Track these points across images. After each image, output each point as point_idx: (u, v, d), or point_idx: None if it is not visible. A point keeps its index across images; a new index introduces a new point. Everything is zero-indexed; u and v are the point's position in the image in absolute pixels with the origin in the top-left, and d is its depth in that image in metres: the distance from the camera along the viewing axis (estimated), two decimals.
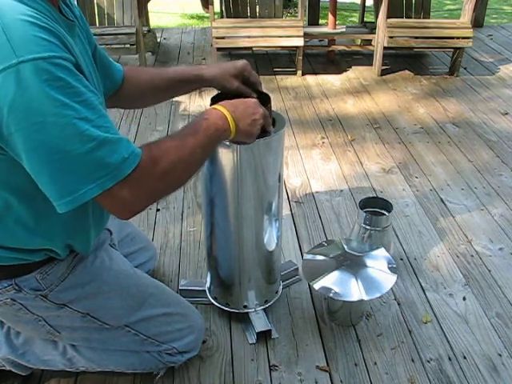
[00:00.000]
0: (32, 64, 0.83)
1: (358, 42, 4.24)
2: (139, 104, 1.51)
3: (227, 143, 1.29)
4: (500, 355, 1.58)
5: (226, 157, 1.33)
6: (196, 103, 3.39)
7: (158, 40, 4.62)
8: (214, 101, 1.34)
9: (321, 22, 4.97)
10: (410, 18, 4.06)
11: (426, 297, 1.81)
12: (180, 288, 1.78)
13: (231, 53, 4.31)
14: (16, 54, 0.82)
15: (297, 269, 1.88)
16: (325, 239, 2.08)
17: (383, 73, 3.89)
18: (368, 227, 1.83)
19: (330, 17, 4.02)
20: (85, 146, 0.88)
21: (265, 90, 1.39)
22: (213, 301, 1.69)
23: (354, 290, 1.52)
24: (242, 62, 1.34)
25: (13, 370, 1.41)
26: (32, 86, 0.83)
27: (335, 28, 4.03)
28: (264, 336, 1.62)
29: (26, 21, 0.85)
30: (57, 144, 0.87)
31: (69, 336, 1.32)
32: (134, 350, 1.38)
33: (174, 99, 3.44)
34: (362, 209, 1.87)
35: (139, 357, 1.39)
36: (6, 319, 1.28)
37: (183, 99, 3.44)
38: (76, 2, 3.85)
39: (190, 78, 1.35)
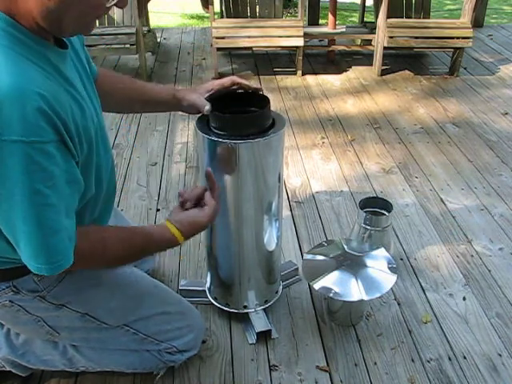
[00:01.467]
0: (13, 146, 0.83)
1: (358, 42, 4.24)
2: (109, 107, 1.42)
3: (227, 143, 1.29)
4: (500, 355, 1.58)
5: (226, 157, 1.33)
6: None
7: (158, 40, 4.62)
8: (214, 101, 1.34)
9: (321, 22, 4.97)
10: (410, 18, 4.06)
11: (426, 297, 1.81)
12: (180, 288, 1.78)
13: (231, 53, 4.32)
14: (1, 133, 0.82)
15: (297, 269, 1.88)
16: (325, 239, 2.08)
17: (383, 73, 3.89)
18: (368, 227, 1.83)
19: (330, 17, 4.03)
20: (41, 230, 0.91)
21: (265, 91, 1.39)
22: (213, 301, 1.69)
23: (354, 290, 1.52)
24: (217, 82, 1.36)
25: (13, 371, 1.41)
26: (9, 166, 0.84)
27: (335, 28, 4.03)
28: (264, 336, 1.62)
29: (19, 100, 0.83)
30: (13, 222, 0.91)
31: (68, 336, 1.32)
32: (133, 349, 1.38)
33: None
34: (362, 209, 1.87)
35: (139, 356, 1.39)
36: (5, 321, 1.28)
37: None
38: None
39: (167, 104, 1.39)
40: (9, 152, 0.83)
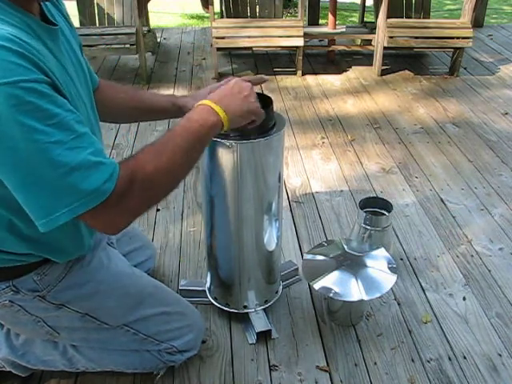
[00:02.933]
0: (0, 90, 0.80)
1: (358, 42, 4.24)
2: (110, 118, 1.42)
3: (227, 143, 1.29)
4: (500, 355, 1.58)
5: (226, 157, 1.33)
6: None
7: (158, 40, 4.62)
8: None
9: (321, 22, 4.97)
10: (410, 18, 4.06)
11: (426, 297, 1.81)
12: (180, 288, 1.78)
13: (231, 53, 4.32)
14: None
15: (297, 269, 1.88)
16: (325, 239, 2.08)
17: (383, 73, 3.89)
18: (368, 227, 1.83)
19: (330, 17, 4.03)
20: (56, 171, 0.87)
21: (265, 91, 1.39)
22: (213, 301, 1.69)
23: (354, 290, 1.52)
24: (216, 85, 1.30)
25: (13, 371, 1.41)
26: (0, 112, 0.81)
27: (335, 28, 4.03)
28: (264, 336, 1.62)
29: None
30: (28, 169, 0.86)
31: (68, 336, 1.32)
32: (133, 349, 1.38)
33: None
34: (362, 209, 1.87)
35: (139, 356, 1.39)
36: (5, 321, 1.28)
37: None
38: (76, 2, 3.85)
39: (168, 111, 1.38)
40: None
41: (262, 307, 1.66)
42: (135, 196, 0.97)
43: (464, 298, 1.80)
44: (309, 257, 1.68)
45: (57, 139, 0.86)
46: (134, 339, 1.34)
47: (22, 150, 0.84)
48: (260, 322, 1.62)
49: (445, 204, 2.34)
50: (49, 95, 0.86)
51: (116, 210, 0.95)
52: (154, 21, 5.37)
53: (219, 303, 1.67)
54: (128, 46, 3.58)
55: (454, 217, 2.24)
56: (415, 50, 4.20)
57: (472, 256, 2.01)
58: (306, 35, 3.70)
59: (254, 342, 1.61)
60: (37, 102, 0.84)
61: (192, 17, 6.65)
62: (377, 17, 3.79)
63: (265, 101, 1.34)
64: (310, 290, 1.82)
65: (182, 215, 2.25)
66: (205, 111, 1.08)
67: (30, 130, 0.83)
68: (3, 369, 1.41)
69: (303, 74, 3.87)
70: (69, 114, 0.89)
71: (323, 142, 2.90)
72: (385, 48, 3.74)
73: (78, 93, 1.06)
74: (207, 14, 5.02)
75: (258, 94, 1.41)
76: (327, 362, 1.56)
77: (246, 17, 4.10)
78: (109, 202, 0.92)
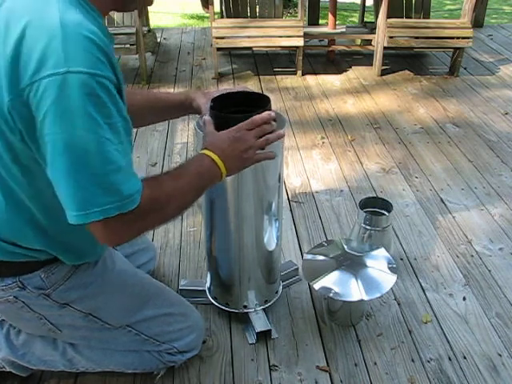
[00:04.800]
0: (78, 76, 0.86)
1: (358, 42, 4.24)
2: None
3: None
4: (500, 355, 1.58)
5: None
6: None
7: (158, 40, 4.62)
8: (215, 103, 1.34)
9: (321, 22, 4.97)
10: (410, 18, 4.06)
11: (426, 297, 1.81)
12: (180, 288, 1.78)
13: (231, 53, 4.32)
14: (66, 64, 0.85)
15: (297, 269, 1.88)
16: (325, 239, 2.08)
17: (383, 73, 3.89)
18: (368, 227, 1.83)
19: (330, 17, 4.03)
20: (104, 166, 0.91)
21: (265, 91, 1.39)
22: (213, 301, 1.69)
23: (354, 290, 1.52)
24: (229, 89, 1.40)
25: (13, 372, 1.41)
26: (72, 96, 0.86)
27: (335, 28, 4.03)
28: (264, 336, 1.62)
29: (86, 36, 0.88)
30: (79, 156, 0.89)
31: (70, 334, 1.32)
32: (134, 349, 1.38)
33: None
34: (361, 209, 1.87)
35: (139, 356, 1.39)
36: (7, 316, 1.29)
37: None
38: None
39: (176, 107, 1.42)
40: (73, 82, 0.86)
41: (262, 307, 1.66)
42: (151, 219, 1.04)
43: (464, 298, 1.80)
44: (309, 257, 1.68)
45: (110, 137, 0.91)
46: (136, 340, 1.34)
47: (79, 136, 0.88)
48: (260, 322, 1.62)
49: (445, 204, 2.33)
50: (114, 96, 0.92)
51: (129, 226, 0.99)
52: (154, 21, 5.36)
53: (219, 303, 1.67)
54: (128, 46, 3.58)
55: (453, 217, 2.24)
56: (415, 49, 4.20)
57: (472, 256, 2.01)
58: (306, 35, 3.70)
59: (254, 342, 1.61)
60: (104, 99, 0.89)
61: (192, 17, 6.65)
62: (377, 17, 3.79)
63: (263, 101, 1.34)
64: (310, 290, 1.82)
65: (181, 215, 2.25)
66: (210, 164, 1.13)
67: (92, 121, 0.88)
68: (3, 369, 1.41)
69: (303, 74, 3.87)
70: (121, 119, 0.95)
71: (323, 142, 2.90)
72: (385, 48, 3.73)
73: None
74: (207, 14, 5.02)
75: (256, 93, 1.42)
76: (327, 362, 1.56)
77: (246, 17, 4.10)
78: (130, 215, 0.96)
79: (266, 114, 1.21)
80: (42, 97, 0.86)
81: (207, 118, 1.26)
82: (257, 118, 1.19)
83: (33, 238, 1.09)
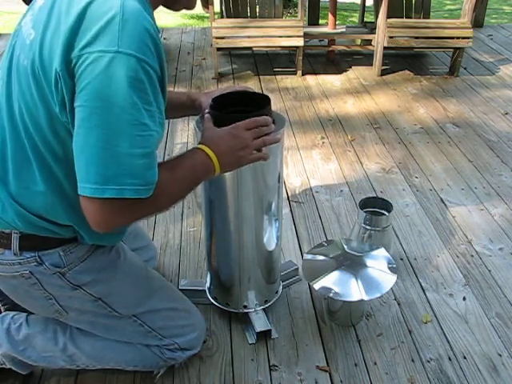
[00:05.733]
0: (126, 58, 0.90)
1: (358, 42, 4.24)
2: None
3: None
4: (500, 355, 1.58)
5: None
6: None
7: None
8: (215, 102, 1.34)
9: (321, 22, 4.97)
10: (410, 18, 4.06)
11: (426, 297, 1.81)
12: (180, 288, 1.78)
13: (231, 53, 4.32)
14: (118, 45, 0.90)
15: (297, 269, 1.88)
16: (325, 239, 2.08)
17: (383, 73, 3.89)
18: (368, 227, 1.83)
19: (330, 17, 4.02)
20: (132, 149, 0.93)
21: (265, 91, 1.39)
22: (213, 301, 1.69)
23: (353, 290, 1.52)
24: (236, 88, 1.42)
25: (13, 369, 1.41)
26: (116, 75, 0.90)
27: (335, 28, 4.03)
28: (264, 336, 1.62)
29: (142, 24, 0.94)
30: (110, 134, 0.92)
31: (76, 318, 1.32)
32: (136, 341, 1.38)
33: None
34: (361, 209, 1.87)
35: (140, 353, 1.40)
36: (15, 294, 1.27)
37: None
38: None
39: (185, 107, 1.45)
40: (120, 62, 0.90)
41: (262, 307, 1.66)
42: (150, 210, 1.07)
43: (464, 298, 1.80)
44: (309, 257, 1.68)
45: (145, 123, 0.94)
46: (139, 331, 1.35)
47: (114, 114, 0.91)
48: (260, 322, 1.62)
49: (445, 204, 2.34)
50: (155, 87, 0.97)
51: (131, 213, 1.02)
52: None
53: (219, 303, 1.67)
54: None
55: (453, 217, 2.24)
56: (415, 49, 4.20)
57: (472, 256, 2.01)
58: (306, 35, 3.70)
59: (254, 342, 1.61)
60: (146, 85, 0.94)
61: (192, 17, 6.65)
62: (377, 17, 3.79)
63: (262, 100, 1.34)
64: (310, 290, 1.82)
65: (181, 215, 2.25)
66: (204, 159, 1.17)
67: (131, 103, 0.92)
68: (3, 366, 1.41)
69: (303, 74, 3.87)
70: (159, 112, 0.99)
71: (323, 142, 2.90)
72: (385, 48, 3.73)
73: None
74: (207, 14, 5.02)
75: (256, 93, 1.42)
76: (327, 362, 1.56)
77: (246, 17, 4.10)
78: (137, 203, 0.98)
79: (263, 117, 1.22)
80: (87, 69, 0.90)
81: (207, 115, 1.26)
82: (255, 118, 1.20)
83: (62, 212, 1.11)
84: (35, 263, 1.16)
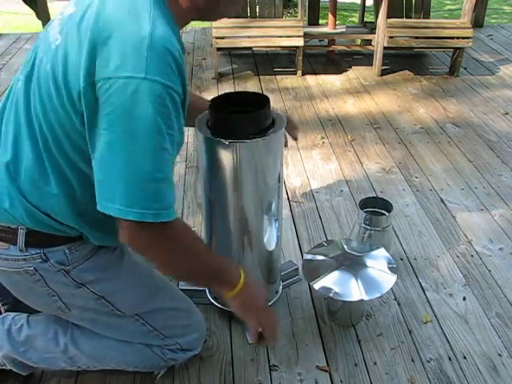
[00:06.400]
0: (153, 84, 0.93)
1: (358, 42, 4.24)
2: None
3: (226, 143, 1.29)
4: (500, 355, 1.58)
5: (226, 157, 1.33)
6: None
7: None
8: (214, 102, 1.34)
9: (321, 22, 4.97)
10: (410, 18, 4.06)
11: (426, 297, 1.81)
12: (180, 288, 1.77)
13: (231, 53, 4.32)
14: (146, 71, 0.92)
15: (297, 269, 1.88)
16: (325, 239, 2.08)
17: (383, 73, 3.89)
18: (368, 227, 1.83)
19: (330, 17, 4.02)
20: (155, 173, 0.97)
21: (265, 91, 1.40)
22: (213, 301, 1.69)
23: (353, 290, 1.52)
24: None
25: (13, 370, 1.41)
26: (143, 102, 0.92)
27: (335, 28, 4.03)
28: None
29: (168, 49, 0.95)
30: (136, 159, 0.96)
31: (78, 315, 1.32)
32: (137, 341, 1.38)
33: None
34: (361, 209, 1.87)
35: (141, 354, 1.40)
36: (17, 290, 1.27)
37: None
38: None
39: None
40: (147, 89, 0.92)
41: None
42: (165, 245, 1.08)
43: (464, 298, 1.80)
44: (309, 257, 1.68)
45: (166, 147, 0.98)
46: (141, 330, 1.35)
47: (140, 141, 0.95)
48: None
49: (445, 204, 2.34)
50: (179, 110, 1.00)
51: (152, 240, 1.05)
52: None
53: (219, 303, 1.67)
54: None
55: (454, 217, 2.24)
56: (415, 49, 4.20)
57: (472, 256, 2.01)
58: (306, 35, 3.70)
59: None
60: (171, 110, 0.97)
61: None
62: (377, 17, 3.79)
63: (261, 100, 1.34)
64: (310, 290, 1.82)
65: (182, 215, 2.25)
66: (232, 279, 1.22)
67: (156, 129, 0.95)
68: (4, 367, 1.40)
69: (303, 74, 3.87)
70: (179, 134, 1.02)
71: (323, 142, 2.90)
72: (385, 48, 3.73)
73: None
74: None
75: (254, 93, 1.42)
76: (327, 362, 1.56)
77: (246, 17, 4.09)
78: (162, 232, 1.03)
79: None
80: (114, 94, 0.92)
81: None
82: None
83: (70, 215, 1.13)
84: (40, 260, 1.16)
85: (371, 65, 3.99)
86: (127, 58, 0.92)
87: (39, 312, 1.39)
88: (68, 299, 1.25)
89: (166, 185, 1.00)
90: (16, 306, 1.41)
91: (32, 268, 1.17)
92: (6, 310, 1.45)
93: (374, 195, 2.35)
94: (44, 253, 1.16)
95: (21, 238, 1.14)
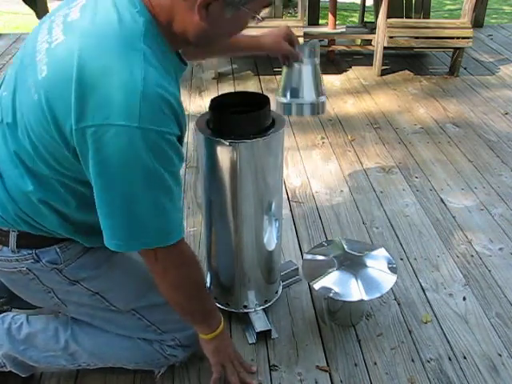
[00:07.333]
0: (146, 132, 0.93)
1: (358, 42, 4.24)
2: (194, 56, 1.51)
3: (227, 143, 1.29)
4: (500, 355, 1.58)
5: (226, 157, 1.33)
6: (196, 103, 3.39)
7: None
8: (214, 102, 1.34)
9: (321, 22, 4.97)
10: (410, 18, 4.06)
11: (426, 297, 1.81)
12: None
13: None
14: (139, 120, 0.92)
15: (297, 269, 1.88)
16: (325, 239, 2.08)
17: (383, 73, 3.89)
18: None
19: (330, 17, 4.02)
20: (154, 212, 1.01)
21: (265, 91, 1.40)
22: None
23: (353, 290, 1.52)
24: (285, 27, 1.44)
25: (13, 370, 1.41)
26: (139, 151, 0.93)
27: (335, 28, 4.03)
28: (264, 336, 1.62)
29: (161, 96, 0.94)
30: (134, 202, 0.98)
31: (75, 310, 1.33)
32: (136, 335, 1.38)
33: None
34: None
35: (141, 350, 1.39)
36: (14, 287, 1.29)
37: (183, 99, 3.43)
38: None
39: (252, 48, 1.47)
40: (142, 138, 0.93)
41: (262, 307, 1.66)
42: (177, 268, 1.16)
43: (464, 298, 1.80)
44: (309, 257, 1.68)
45: (169, 185, 1.01)
46: (139, 324, 1.36)
47: (139, 186, 0.97)
48: (260, 322, 1.62)
49: (445, 204, 2.33)
50: (177, 147, 1.01)
51: (169, 257, 1.13)
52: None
53: (219, 303, 1.67)
54: None
55: (454, 217, 2.24)
56: (415, 49, 4.20)
57: (472, 256, 2.01)
58: (306, 35, 3.70)
59: (254, 341, 1.61)
60: (168, 152, 0.98)
61: None
62: (377, 17, 3.79)
63: (261, 100, 1.35)
64: (310, 290, 1.82)
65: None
66: (216, 323, 1.35)
67: (154, 175, 0.97)
68: (3, 368, 1.40)
69: None
70: (180, 164, 1.04)
71: (323, 142, 2.90)
72: (385, 48, 3.73)
73: None
74: None
75: (254, 93, 1.42)
76: (327, 362, 1.56)
77: None
78: (174, 248, 1.10)
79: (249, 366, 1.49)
80: (109, 142, 0.92)
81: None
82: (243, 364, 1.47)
83: (57, 225, 1.14)
84: (32, 260, 1.17)
85: (371, 65, 3.99)
86: (120, 105, 0.91)
87: (34, 307, 1.40)
88: (63, 295, 1.27)
89: (166, 217, 1.04)
90: (12, 299, 1.43)
91: (25, 268, 1.18)
92: (2, 304, 1.45)
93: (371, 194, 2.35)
94: (36, 253, 1.17)
95: (12, 240, 1.15)
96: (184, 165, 2.63)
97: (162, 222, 1.03)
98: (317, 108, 1.50)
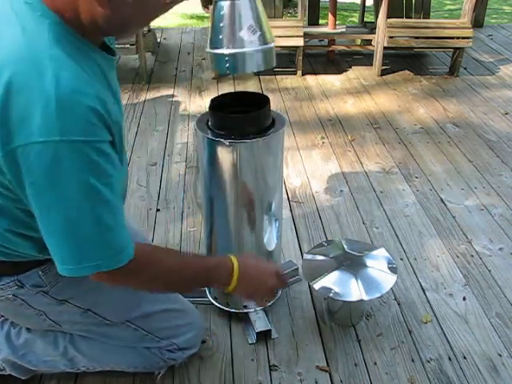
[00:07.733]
0: (72, 145, 0.85)
1: (358, 42, 4.24)
2: None
3: (227, 143, 1.29)
4: (500, 355, 1.58)
5: (226, 157, 1.33)
6: (196, 103, 3.39)
7: (158, 40, 4.62)
8: (214, 102, 1.34)
9: (321, 22, 4.97)
10: (410, 18, 4.06)
11: (426, 297, 1.81)
12: None
13: None
14: (61, 133, 0.84)
15: (297, 269, 1.87)
16: (325, 239, 2.08)
17: (383, 73, 3.89)
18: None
19: (330, 17, 4.03)
20: (97, 228, 0.93)
21: (265, 91, 1.40)
22: (213, 301, 1.69)
23: (353, 290, 1.52)
24: None
25: (12, 374, 1.41)
26: (66, 166, 0.86)
27: (335, 28, 4.03)
28: (264, 336, 1.62)
29: (80, 102, 0.86)
30: (73, 220, 0.91)
31: (70, 328, 1.33)
32: (133, 345, 1.38)
33: (173, 99, 3.44)
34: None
35: (140, 354, 1.39)
36: (6, 313, 1.29)
37: (183, 99, 3.44)
38: None
39: None
40: (67, 151, 0.85)
41: (262, 307, 1.66)
42: (141, 280, 1.09)
43: (464, 298, 1.80)
44: (309, 257, 1.68)
45: (106, 198, 0.93)
46: (135, 335, 1.35)
47: (73, 204, 0.90)
48: (260, 322, 1.62)
49: (445, 204, 2.33)
50: (109, 155, 0.93)
51: (125, 279, 1.06)
52: (154, 21, 5.35)
53: (219, 303, 1.67)
54: (128, 45, 3.57)
55: (453, 217, 2.24)
56: (415, 49, 4.20)
57: (472, 256, 2.01)
58: (305, 35, 3.70)
59: (254, 341, 1.61)
60: (100, 162, 0.90)
61: (192, 17, 6.64)
62: (377, 17, 3.79)
63: (261, 100, 1.35)
64: (310, 290, 1.82)
65: (181, 215, 2.25)
66: (225, 273, 1.19)
67: (87, 188, 0.89)
68: (3, 372, 1.40)
69: (303, 74, 3.86)
70: (116, 171, 0.95)
71: (323, 142, 2.90)
72: (385, 48, 3.73)
73: (122, 124, 1.09)
74: (207, 14, 5.00)
75: (254, 93, 1.42)
76: (327, 362, 1.56)
77: None
78: (125, 269, 1.00)
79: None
80: (34, 162, 0.85)
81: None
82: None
83: (30, 248, 1.09)
84: (16, 287, 1.15)
85: (371, 65, 3.99)
86: (37, 121, 0.83)
87: None
88: (55, 316, 1.25)
89: (111, 233, 0.96)
90: None
91: (11, 295, 1.16)
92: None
93: (374, 196, 2.35)
94: (18, 279, 1.15)
95: None
96: (184, 165, 2.64)
97: (108, 238, 0.96)
98: (265, 57, 1.19)
